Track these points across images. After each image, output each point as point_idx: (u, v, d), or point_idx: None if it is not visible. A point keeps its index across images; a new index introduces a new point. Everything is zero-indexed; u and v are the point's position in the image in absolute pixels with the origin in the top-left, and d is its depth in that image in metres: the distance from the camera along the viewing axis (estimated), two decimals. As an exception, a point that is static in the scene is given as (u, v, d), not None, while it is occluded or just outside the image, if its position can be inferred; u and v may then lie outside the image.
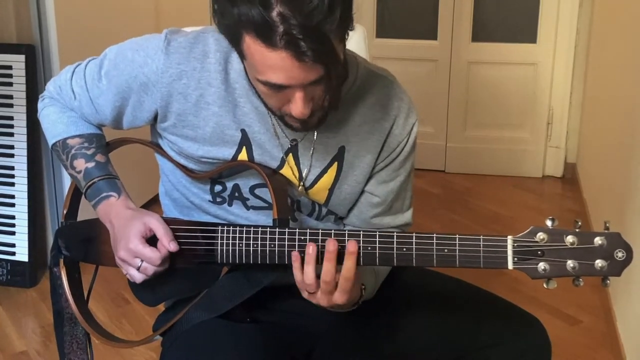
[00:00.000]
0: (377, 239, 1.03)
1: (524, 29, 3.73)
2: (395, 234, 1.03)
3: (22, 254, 2.55)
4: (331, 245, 1.02)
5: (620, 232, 0.95)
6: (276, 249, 1.07)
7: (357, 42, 1.51)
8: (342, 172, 1.19)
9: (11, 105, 2.49)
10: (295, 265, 1.04)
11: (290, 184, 1.19)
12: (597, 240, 0.94)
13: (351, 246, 1.01)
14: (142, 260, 1.11)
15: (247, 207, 1.22)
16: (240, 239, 1.10)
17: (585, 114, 3.66)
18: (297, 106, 1.00)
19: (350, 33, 1.00)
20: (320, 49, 0.92)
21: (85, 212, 1.33)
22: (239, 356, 1.09)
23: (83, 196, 1.26)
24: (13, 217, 2.54)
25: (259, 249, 1.09)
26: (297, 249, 1.05)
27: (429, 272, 1.29)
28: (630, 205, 2.14)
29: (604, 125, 2.99)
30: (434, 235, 1.01)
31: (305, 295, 1.06)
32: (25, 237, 2.54)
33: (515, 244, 0.97)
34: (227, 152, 1.16)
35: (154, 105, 1.16)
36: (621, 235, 0.95)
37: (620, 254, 0.94)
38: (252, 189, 1.20)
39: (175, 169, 1.24)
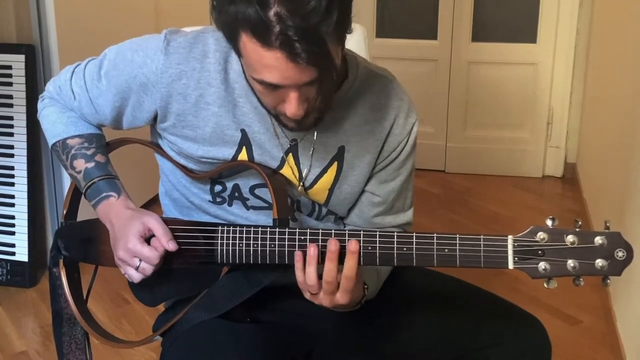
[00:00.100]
0: (378, 239, 1.03)
1: (524, 29, 3.73)
2: (395, 233, 1.03)
3: (22, 254, 2.55)
4: (333, 245, 1.02)
5: (620, 231, 0.95)
6: (276, 249, 1.07)
7: (357, 42, 1.51)
8: (342, 172, 1.19)
9: (11, 105, 2.49)
10: (298, 266, 1.04)
11: (290, 184, 1.19)
12: (598, 240, 0.94)
13: (352, 246, 1.01)
14: (140, 260, 1.11)
15: (247, 207, 1.22)
16: (240, 239, 1.10)
17: (585, 114, 3.66)
18: (291, 106, 1.00)
19: (352, 31, 1.00)
20: (314, 51, 0.92)
21: (85, 212, 1.33)
22: (239, 356, 1.09)
23: (83, 196, 1.26)
24: (13, 217, 2.54)
25: (259, 249, 1.08)
26: (297, 249, 1.05)
27: (430, 272, 1.29)
28: (630, 205, 2.14)
29: (604, 125, 2.99)
30: (434, 235, 1.01)
31: (307, 296, 1.06)
32: (25, 237, 2.54)
33: (516, 244, 0.97)
34: (227, 152, 1.16)
35: (153, 106, 1.16)
36: (621, 234, 0.95)
37: (620, 254, 0.94)
38: (252, 189, 1.20)
39: (175, 169, 1.23)
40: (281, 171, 1.18)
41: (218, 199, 1.22)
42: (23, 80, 2.47)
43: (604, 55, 3.12)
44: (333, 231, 1.04)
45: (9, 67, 2.47)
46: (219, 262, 1.12)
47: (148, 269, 1.11)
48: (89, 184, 1.21)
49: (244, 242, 1.10)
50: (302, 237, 1.05)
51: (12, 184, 2.52)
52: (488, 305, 1.24)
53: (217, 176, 1.20)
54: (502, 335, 1.19)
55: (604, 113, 3.01)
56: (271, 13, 0.90)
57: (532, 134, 3.83)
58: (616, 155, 2.52)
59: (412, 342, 1.23)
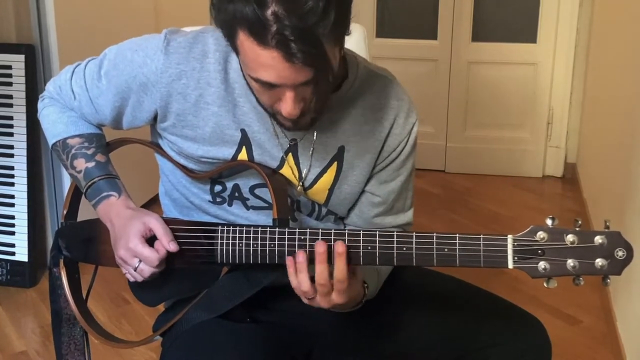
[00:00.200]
0: (377, 239, 1.03)
1: (524, 29, 3.73)
2: (395, 233, 1.03)
3: (21, 254, 2.55)
4: (320, 247, 1.02)
5: (620, 231, 0.95)
6: (276, 249, 1.07)
7: (357, 42, 1.51)
8: (342, 172, 1.19)
9: (11, 105, 2.49)
10: (290, 271, 1.04)
11: (290, 184, 1.19)
12: (598, 239, 0.94)
13: (339, 247, 1.01)
14: (139, 261, 1.11)
15: (247, 207, 1.21)
16: (240, 239, 1.10)
17: (585, 114, 3.66)
18: (287, 105, 1.00)
19: (351, 33, 1.00)
20: (310, 52, 0.92)
21: (85, 212, 1.33)
22: (239, 356, 1.09)
23: (83, 196, 1.26)
24: (13, 217, 2.54)
25: (259, 249, 1.08)
26: (297, 249, 1.05)
27: (429, 272, 1.29)
28: (630, 205, 2.14)
29: (604, 125, 2.99)
30: (434, 234, 1.01)
31: (305, 301, 1.06)
32: (25, 237, 2.54)
33: (516, 243, 0.97)
34: (226, 152, 1.16)
35: (153, 106, 1.16)
36: (621, 234, 0.95)
37: (620, 253, 0.94)
38: (252, 189, 1.20)
39: (175, 169, 1.23)
40: (281, 171, 1.18)
41: (218, 199, 1.22)
42: (23, 80, 2.47)
43: (604, 55, 3.12)
44: (333, 231, 1.04)
45: (9, 67, 2.47)
46: (219, 262, 1.12)
47: (146, 270, 1.11)
48: (89, 183, 1.20)
49: (243, 242, 1.10)
50: (302, 237, 1.05)
51: (12, 184, 2.52)
52: (488, 305, 1.24)
53: (217, 176, 1.20)
54: (502, 335, 1.19)
55: (604, 113, 3.01)
56: (268, 12, 0.90)
57: (532, 134, 3.83)
58: (616, 155, 2.52)
59: (412, 342, 1.23)
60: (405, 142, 1.21)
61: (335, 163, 1.19)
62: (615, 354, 2.12)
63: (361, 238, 1.03)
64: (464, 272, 1.09)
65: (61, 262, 1.31)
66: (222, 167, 1.18)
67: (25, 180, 2.51)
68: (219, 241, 1.12)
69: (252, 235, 1.09)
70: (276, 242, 1.07)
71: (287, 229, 1.07)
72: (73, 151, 1.23)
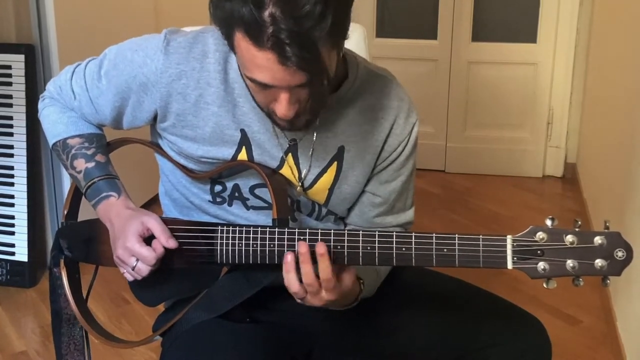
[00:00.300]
0: (377, 239, 1.03)
1: (524, 29, 3.73)
2: (394, 233, 1.03)
3: (21, 254, 2.55)
4: (302, 248, 1.02)
5: (620, 231, 0.95)
6: (276, 249, 1.07)
7: (357, 42, 1.51)
8: (342, 172, 1.19)
9: (10, 105, 2.49)
10: (284, 271, 1.04)
11: (290, 184, 1.19)
12: (597, 240, 0.94)
13: (319, 248, 1.01)
14: (137, 260, 1.11)
15: (247, 207, 1.21)
16: (240, 239, 1.10)
17: (585, 114, 3.66)
18: (281, 107, 1.00)
19: (350, 33, 1.00)
20: (305, 57, 0.92)
21: (86, 212, 1.33)
22: (239, 356, 1.09)
23: (83, 196, 1.26)
24: (12, 217, 2.54)
25: (259, 249, 1.08)
26: (296, 249, 1.05)
27: (429, 272, 1.29)
28: (630, 205, 2.14)
29: (604, 125, 2.98)
30: (434, 235, 1.01)
31: (298, 300, 1.07)
32: (25, 237, 2.54)
33: (515, 244, 0.97)
34: (226, 152, 1.16)
35: (153, 106, 1.16)
36: (621, 234, 0.95)
37: (620, 254, 0.94)
38: (252, 189, 1.20)
39: (175, 169, 1.23)
40: (281, 171, 1.18)
41: (218, 199, 1.22)
42: (23, 80, 2.47)
43: (604, 55, 3.12)
44: (332, 231, 1.04)
45: (9, 67, 2.47)
46: (219, 262, 1.12)
47: (144, 269, 1.11)
48: (89, 183, 1.21)
49: (243, 242, 1.10)
50: (302, 238, 1.05)
51: (12, 184, 2.52)
52: (488, 305, 1.24)
53: (217, 176, 1.20)
54: (502, 335, 1.19)
55: (604, 113, 3.01)
56: (265, 14, 0.90)
57: (532, 134, 3.83)
58: (616, 155, 2.52)
59: (412, 342, 1.23)
60: (406, 143, 1.21)
61: (335, 163, 1.19)
62: (615, 354, 2.11)
63: (360, 238, 1.03)
64: (463, 272, 1.09)
65: (61, 261, 1.31)
66: (222, 167, 1.18)
67: (25, 180, 2.51)
68: (218, 241, 1.12)
69: (251, 236, 1.09)
70: (276, 243, 1.07)
71: (286, 229, 1.07)
72: (73, 151, 1.23)
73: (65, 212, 1.34)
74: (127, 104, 1.19)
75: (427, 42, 3.88)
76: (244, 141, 1.15)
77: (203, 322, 1.15)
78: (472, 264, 0.99)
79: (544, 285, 0.98)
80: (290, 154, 1.17)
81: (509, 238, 0.98)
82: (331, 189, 1.20)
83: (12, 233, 2.54)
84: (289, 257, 1.03)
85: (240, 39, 0.95)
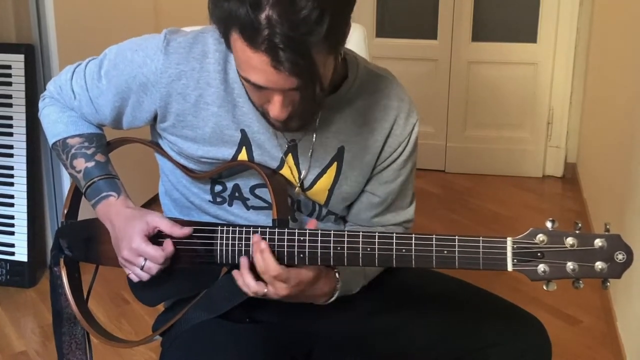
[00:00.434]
0: (377, 240, 1.03)
1: (524, 28, 3.73)
2: (394, 235, 1.03)
3: (21, 254, 2.55)
4: (254, 238, 1.07)
5: (620, 232, 0.95)
6: (275, 249, 1.07)
7: (357, 42, 1.51)
8: (342, 172, 1.19)
9: (10, 105, 2.49)
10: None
11: (290, 184, 1.19)
12: (597, 242, 0.94)
13: (261, 245, 1.05)
14: (145, 259, 1.11)
15: (247, 207, 1.21)
16: (240, 239, 1.10)
17: (585, 114, 3.66)
18: (274, 108, 1.00)
19: (350, 33, 1.00)
20: (298, 62, 0.91)
21: (86, 212, 1.33)
22: (239, 356, 1.09)
23: (83, 196, 1.26)
24: (12, 217, 2.54)
25: (259, 249, 1.08)
26: (296, 249, 1.05)
27: (429, 272, 1.29)
28: (630, 205, 2.14)
29: (604, 125, 2.98)
30: (434, 236, 1.01)
31: (260, 296, 1.09)
32: (25, 237, 2.54)
33: (515, 246, 0.97)
34: (226, 152, 1.16)
35: (153, 106, 1.16)
36: (621, 237, 0.95)
37: (620, 256, 0.94)
38: (252, 189, 1.20)
39: (175, 168, 1.23)
40: (281, 171, 1.18)
41: (218, 199, 1.22)
42: (22, 80, 2.46)
43: (604, 55, 3.12)
44: (332, 232, 1.04)
45: (9, 67, 2.47)
46: (219, 262, 1.12)
47: (154, 268, 1.12)
48: (88, 183, 1.21)
49: (243, 242, 1.10)
50: (302, 238, 1.05)
51: (12, 184, 2.52)
52: (488, 305, 1.24)
53: (217, 176, 1.20)
54: (502, 335, 1.19)
55: (604, 113, 3.01)
56: (262, 16, 0.90)
57: (532, 134, 3.83)
58: (616, 155, 2.52)
59: (412, 342, 1.22)
60: (406, 143, 1.21)
61: (335, 164, 1.18)
62: (615, 354, 2.11)
63: (360, 239, 1.03)
64: (463, 272, 1.09)
65: (61, 261, 1.31)
66: (222, 167, 1.18)
67: (24, 180, 2.51)
68: (218, 241, 1.12)
69: (251, 236, 1.09)
70: (275, 243, 1.07)
71: (286, 229, 1.07)
72: (73, 151, 1.23)
73: (65, 212, 1.34)
74: (127, 104, 1.19)
75: (427, 42, 3.88)
76: (244, 141, 1.15)
77: (203, 322, 1.15)
78: (472, 266, 0.99)
79: (544, 288, 0.97)
80: (290, 155, 1.17)
81: (509, 240, 0.98)
82: (331, 190, 1.20)
83: (12, 233, 2.54)
84: (243, 260, 1.07)
85: (236, 39, 0.95)
